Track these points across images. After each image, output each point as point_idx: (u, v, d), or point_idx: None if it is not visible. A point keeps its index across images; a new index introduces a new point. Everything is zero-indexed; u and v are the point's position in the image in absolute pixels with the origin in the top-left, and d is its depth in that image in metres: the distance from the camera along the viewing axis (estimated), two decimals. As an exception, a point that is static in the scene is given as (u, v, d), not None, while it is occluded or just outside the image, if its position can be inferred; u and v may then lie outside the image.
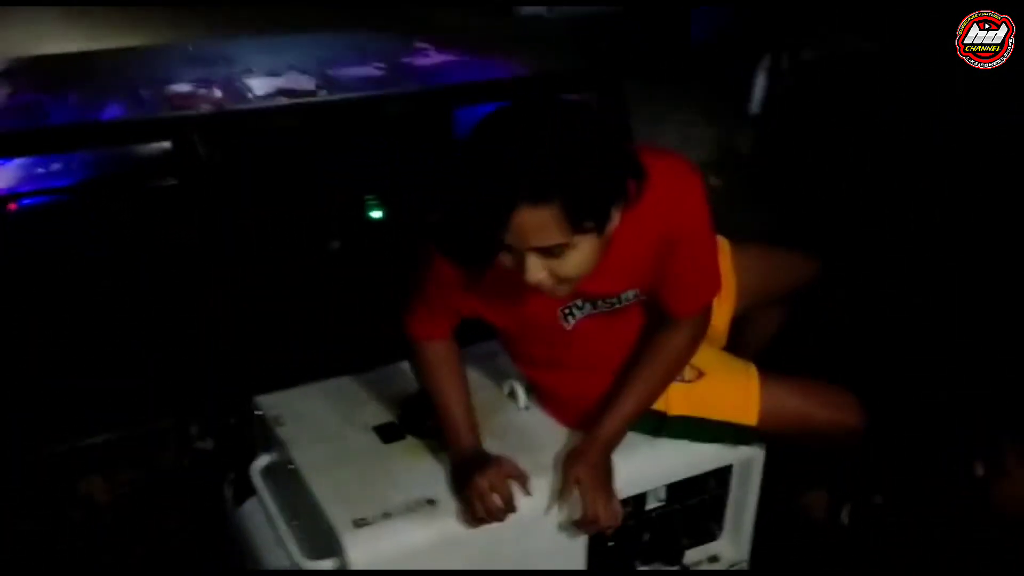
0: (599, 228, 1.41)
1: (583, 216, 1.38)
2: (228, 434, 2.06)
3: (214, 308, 2.14)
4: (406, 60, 2.81)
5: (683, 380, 1.85)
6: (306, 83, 2.50)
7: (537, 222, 1.35)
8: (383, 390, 1.92)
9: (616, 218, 1.44)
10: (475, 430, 1.73)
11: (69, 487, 1.99)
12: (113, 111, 2.26)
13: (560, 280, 1.46)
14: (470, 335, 1.80)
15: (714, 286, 1.78)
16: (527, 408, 1.85)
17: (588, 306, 1.68)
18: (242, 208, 2.13)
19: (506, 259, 1.43)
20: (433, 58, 2.87)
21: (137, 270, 2.23)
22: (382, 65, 2.72)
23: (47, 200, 2.07)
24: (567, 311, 1.68)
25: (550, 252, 1.40)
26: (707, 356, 1.90)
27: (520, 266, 1.43)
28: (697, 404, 1.84)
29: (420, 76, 2.65)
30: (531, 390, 1.87)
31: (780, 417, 1.84)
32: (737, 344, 2.01)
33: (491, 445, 1.71)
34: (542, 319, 1.69)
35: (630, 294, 1.68)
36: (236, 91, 2.44)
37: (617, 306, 1.69)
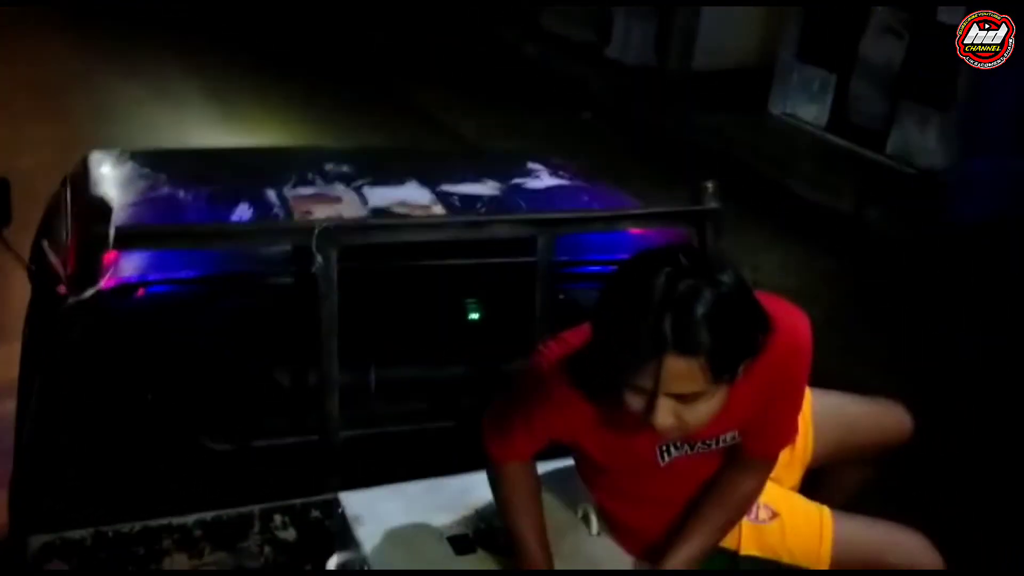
0: (732, 379, 1.48)
1: (724, 369, 1.45)
2: (310, 527, 2.13)
3: (310, 403, 2.24)
4: (518, 181, 2.93)
5: (757, 520, 1.86)
6: (420, 198, 2.63)
7: (682, 370, 1.42)
8: (463, 498, 1.98)
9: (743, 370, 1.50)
10: (548, 552, 1.76)
11: (153, 563, 2.08)
12: (241, 211, 2.43)
13: (684, 425, 1.51)
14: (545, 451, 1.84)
15: (794, 434, 1.82)
16: (598, 534, 1.88)
17: (687, 447, 1.72)
18: (351, 307, 2.24)
19: (635, 400, 1.50)
20: (544, 180, 2.99)
21: (247, 361, 2.37)
22: (496, 184, 2.84)
23: (171, 289, 2.23)
24: (665, 448, 1.72)
25: (683, 398, 1.47)
26: (782, 497, 1.91)
27: (648, 408, 1.48)
28: (769, 545, 1.85)
29: (528, 199, 2.77)
30: (602, 516, 1.90)
31: (853, 559, 1.84)
32: (815, 497, 2.00)
33: (560, 568, 1.74)
34: (640, 454, 1.73)
35: (729, 436, 1.72)
36: (355, 199, 2.59)
37: (714, 447, 1.73)
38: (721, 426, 1.66)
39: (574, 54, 9.83)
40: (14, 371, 2.90)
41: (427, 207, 2.58)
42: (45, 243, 2.77)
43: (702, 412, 1.50)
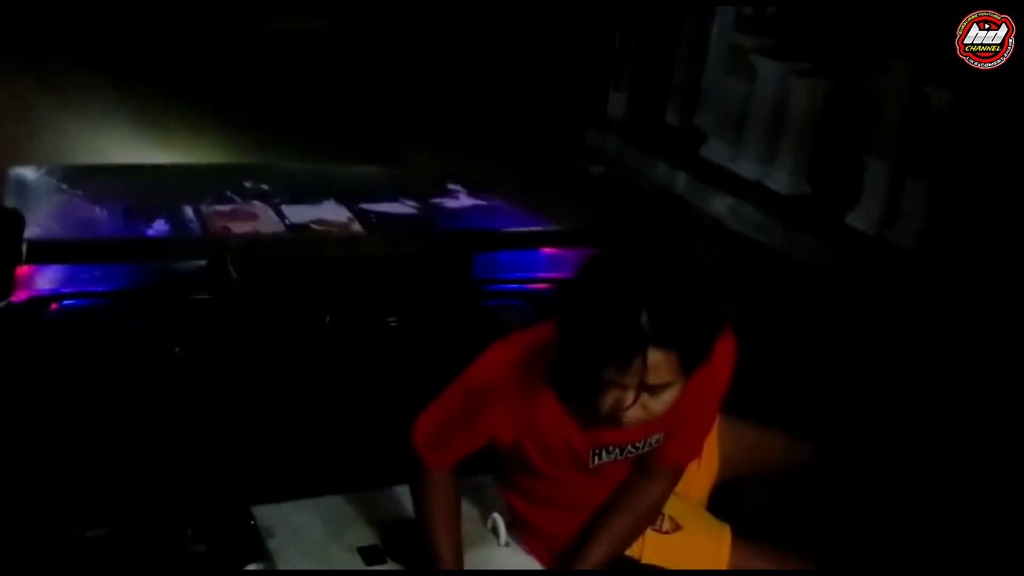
0: (692, 371, 1.54)
1: (695, 360, 1.52)
2: (222, 540, 2.14)
3: (223, 418, 2.25)
4: (436, 201, 2.98)
5: (660, 531, 1.93)
6: (338, 215, 2.67)
7: (660, 363, 1.48)
8: (375, 512, 2.00)
9: None
10: (461, 563, 1.80)
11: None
12: (158, 226, 2.44)
13: (649, 415, 1.57)
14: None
15: (701, 448, 1.90)
16: (507, 544, 1.93)
17: (617, 450, 1.77)
18: (265, 324, 2.26)
19: (609, 395, 1.55)
20: (462, 201, 3.05)
21: (159, 375, 2.36)
22: (414, 203, 2.89)
23: (85, 303, 2.22)
24: (598, 451, 1.76)
25: (652, 389, 1.52)
26: (686, 511, 1.98)
27: (621, 402, 1.54)
28: (670, 556, 1.92)
29: (446, 218, 2.82)
30: (513, 526, 1.95)
31: None
32: (720, 514, 2.08)
33: (469, 576, 1.78)
34: (574, 454, 1.76)
35: (655, 439, 1.77)
36: (272, 216, 2.61)
37: (641, 450, 1.78)
38: (651, 427, 1.72)
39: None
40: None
41: (345, 225, 2.62)
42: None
43: (665, 401, 1.56)
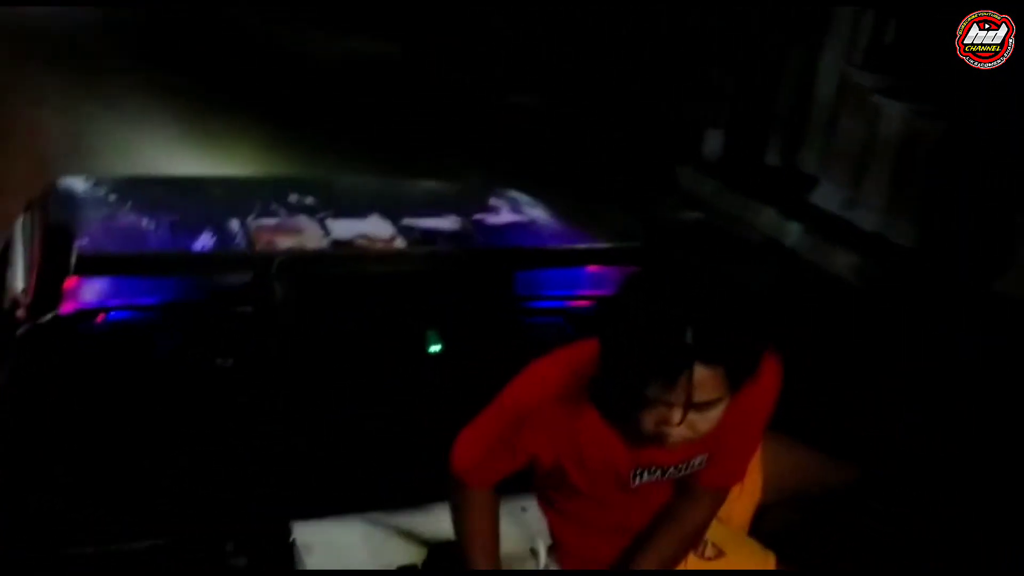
0: (739, 389, 1.53)
1: (741, 376, 1.50)
2: (262, 555, 2.14)
3: (268, 431, 2.26)
4: (479, 216, 2.98)
5: (702, 557, 1.90)
6: (382, 230, 2.67)
7: (707, 379, 1.47)
8: (413, 530, 2.00)
9: None
10: None
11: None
12: (203, 240, 2.46)
13: (694, 434, 1.55)
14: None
15: (744, 472, 1.87)
16: (546, 567, 1.91)
17: (659, 471, 1.76)
18: (308, 338, 2.27)
19: (654, 412, 1.53)
20: (505, 216, 3.04)
21: (203, 387, 2.38)
22: (456, 219, 2.89)
23: (131, 315, 2.24)
24: (639, 472, 1.75)
25: (699, 407, 1.50)
26: (729, 537, 1.96)
27: (667, 420, 1.52)
28: None
29: (488, 234, 2.82)
30: (553, 549, 1.93)
31: None
32: (760, 534, 2.05)
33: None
34: (616, 474, 1.76)
35: (697, 461, 1.76)
36: (317, 231, 2.62)
37: (683, 472, 1.77)
38: (695, 449, 1.70)
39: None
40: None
41: (388, 240, 2.62)
42: (5, 267, 2.78)
43: (711, 419, 1.54)
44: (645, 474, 1.76)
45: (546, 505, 1.93)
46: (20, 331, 2.11)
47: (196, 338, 2.33)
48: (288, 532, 2.00)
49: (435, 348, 2.60)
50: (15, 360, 2.13)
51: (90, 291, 2.19)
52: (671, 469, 1.76)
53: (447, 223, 2.84)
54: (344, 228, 2.66)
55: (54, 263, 2.07)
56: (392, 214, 2.78)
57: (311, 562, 1.89)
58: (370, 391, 2.57)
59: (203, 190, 3.32)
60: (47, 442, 2.12)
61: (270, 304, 2.14)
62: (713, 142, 7.85)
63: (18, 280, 2.53)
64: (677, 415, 1.51)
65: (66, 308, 2.11)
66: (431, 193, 3.66)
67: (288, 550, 2.03)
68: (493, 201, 3.17)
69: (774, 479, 2.07)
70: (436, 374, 2.60)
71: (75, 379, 2.16)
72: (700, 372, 1.46)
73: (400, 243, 2.62)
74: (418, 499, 2.12)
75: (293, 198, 2.84)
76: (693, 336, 1.43)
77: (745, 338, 1.49)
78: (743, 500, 2.05)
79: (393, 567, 1.88)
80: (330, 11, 13.88)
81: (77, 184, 3.03)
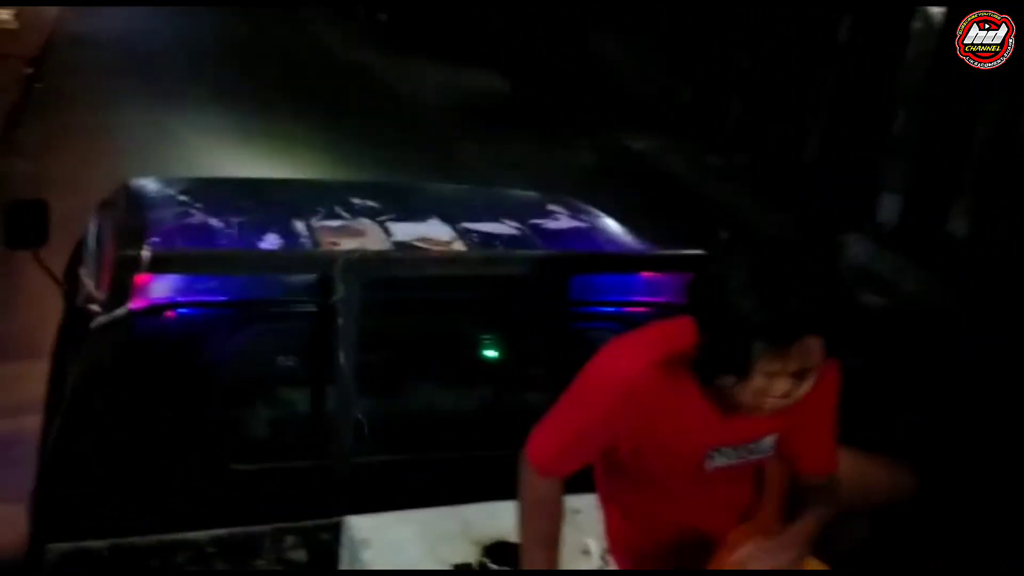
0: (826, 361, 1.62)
1: (839, 346, 1.61)
2: (320, 549, 2.19)
3: (324, 428, 2.31)
4: (537, 221, 3.01)
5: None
6: (442, 234, 2.71)
7: (813, 347, 1.56)
8: (469, 528, 2.03)
9: None
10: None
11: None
12: (270, 240, 2.52)
13: (790, 401, 1.64)
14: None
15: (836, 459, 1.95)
16: (599, 567, 1.93)
17: (732, 453, 1.81)
18: (367, 337, 2.31)
19: (760, 381, 1.61)
20: (562, 222, 3.07)
21: (262, 383, 2.45)
22: (515, 224, 2.92)
23: (199, 312, 2.31)
24: (715, 452, 1.80)
25: (801, 374, 1.60)
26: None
27: (768, 386, 1.61)
28: None
29: (546, 239, 2.84)
30: (608, 551, 1.94)
31: None
32: (818, 548, 2.04)
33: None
34: (692, 453, 1.80)
35: (768, 441, 1.82)
36: (379, 232, 2.67)
37: (752, 456, 1.83)
38: (765, 427, 1.78)
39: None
40: (42, 387, 3.00)
41: (448, 243, 2.66)
42: (79, 263, 2.87)
43: (806, 388, 1.63)
44: (718, 456, 1.80)
45: (607, 500, 1.94)
46: (94, 324, 2.18)
47: (260, 335, 2.40)
48: (345, 527, 2.05)
49: (490, 351, 2.63)
50: (88, 352, 2.21)
51: (160, 287, 2.26)
52: (743, 449, 1.81)
53: (506, 228, 2.87)
54: (405, 231, 2.70)
55: (127, 260, 2.13)
56: (452, 218, 2.82)
57: (367, 557, 1.93)
58: (425, 391, 2.61)
59: (270, 191, 3.40)
60: (116, 430, 2.19)
61: (333, 303, 2.18)
62: (889, 207, 6.84)
63: (91, 276, 2.62)
64: (782, 382, 1.59)
65: (137, 303, 2.18)
66: (491, 198, 3.70)
67: (345, 545, 2.07)
68: (552, 207, 3.20)
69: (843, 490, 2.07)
70: (490, 376, 2.63)
71: (144, 371, 2.23)
72: (810, 339, 1.55)
73: (459, 246, 2.66)
74: (473, 497, 2.16)
75: (356, 201, 2.89)
76: (809, 303, 1.53)
77: (844, 308, 1.59)
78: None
79: (448, 565, 1.91)
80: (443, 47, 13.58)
81: (148, 184, 3.12)
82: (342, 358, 2.18)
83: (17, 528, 2.43)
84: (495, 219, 2.91)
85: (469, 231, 2.76)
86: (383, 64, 13.42)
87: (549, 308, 2.53)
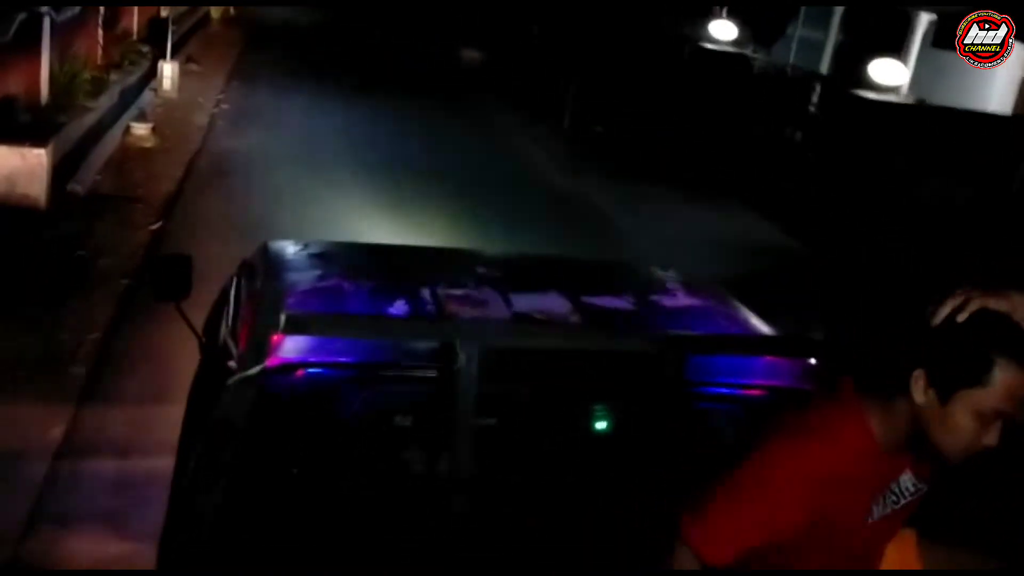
0: None
1: None
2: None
3: (436, 491, 2.36)
4: (655, 298, 3.05)
5: None
6: (560, 307, 2.78)
7: None
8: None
9: None
10: None
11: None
12: (398, 305, 2.64)
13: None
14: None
15: None
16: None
17: (892, 499, 1.85)
18: (484, 403, 2.37)
19: (983, 425, 1.74)
20: (680, 300, 3.10)
21: (382, 442, 2.53)
22: (632, 300, 2.96)
23: (327, 372, 2.43)
24: (881, 500, 1.85)
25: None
26: None
27: (991, 429, 1.74)
28: None
29: (663, 316, 2.88)
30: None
31: None
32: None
33: None
34: (856, 514, 1.82)
35: (911, 482, 1.87)
36: (500, 303, 2.76)
37: (902, 501, 1.87)
38: (902, 466, 1.85)
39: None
40: (176, 431, 3.17)
41: (565, 316, 2.72)
42: (218, 318, 3.05)
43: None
44: (880, 507, 1.84)
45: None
46: (231, 380, 2.32)
47: (382, 396, 2.50)
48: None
49: (602, 425, 2.66)
50: (224, 406, 2.34)
51: (293, 347, 2.39)
52: (894, 490, 1.85)
53: (623, 303, 2.92)
54: (525, 302, 2.78)
55: (265, 320, 2.27)
56: (571, 291, 2.88)
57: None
58: (536, 461, 2.65)
59: (399, 257, 3.54)
60: (247, 481, 2.31)
61: (453, 369, 2.26)
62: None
63: (229, 333, 2.78)
64: (998, 425, 1.72)
65: (273, 361, 2.31)
66: (610, 271, 3.75)
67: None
68: (671, 284, 3.23)
69: None
70: (601, 451, 2.65)
71: (274, 426, 2.35)
72: None
73: (576, 319, 2.72)
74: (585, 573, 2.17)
75: (480, 271, 3.00)
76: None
77: None
78: None
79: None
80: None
81: (286, 247, 3.30)
82: (459, 424, 2.25)
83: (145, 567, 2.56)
84: (613, 294, 2.96)
85: (587, 305, 2.82)
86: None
87: (664, 386, 2.55)
